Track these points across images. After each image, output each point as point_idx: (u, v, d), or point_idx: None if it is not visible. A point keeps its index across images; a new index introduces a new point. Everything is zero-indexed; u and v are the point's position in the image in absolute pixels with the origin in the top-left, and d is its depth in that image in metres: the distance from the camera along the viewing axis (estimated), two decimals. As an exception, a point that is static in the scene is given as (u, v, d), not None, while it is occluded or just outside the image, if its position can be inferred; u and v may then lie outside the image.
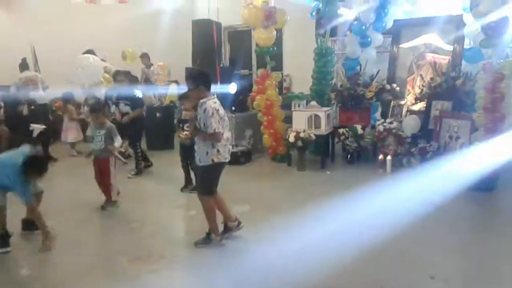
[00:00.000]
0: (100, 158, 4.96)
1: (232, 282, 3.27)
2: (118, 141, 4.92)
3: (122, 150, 6.96)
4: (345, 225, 4.29)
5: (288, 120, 7.01)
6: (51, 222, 4.19)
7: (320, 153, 6.79)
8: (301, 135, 6.36)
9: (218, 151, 3.65)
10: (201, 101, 3.61)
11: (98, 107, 5.26)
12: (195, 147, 3.74)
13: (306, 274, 3.32)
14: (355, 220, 4.42)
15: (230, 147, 3.85)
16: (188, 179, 5.58)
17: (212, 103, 3.60)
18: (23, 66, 8.11)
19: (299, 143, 6.35)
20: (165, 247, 3.89)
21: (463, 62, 6.74)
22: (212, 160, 3.64)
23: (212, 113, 3.55)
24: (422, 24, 7.34)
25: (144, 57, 9.17)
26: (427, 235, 4.08)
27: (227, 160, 3.78)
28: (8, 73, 7.86)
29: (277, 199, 5.26)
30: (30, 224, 4.16)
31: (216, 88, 7.54)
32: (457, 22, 6.78)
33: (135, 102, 6.27)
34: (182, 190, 5.56)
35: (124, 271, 3.48)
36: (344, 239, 3.96)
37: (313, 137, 6.42)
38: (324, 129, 6.60)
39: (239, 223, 4.03)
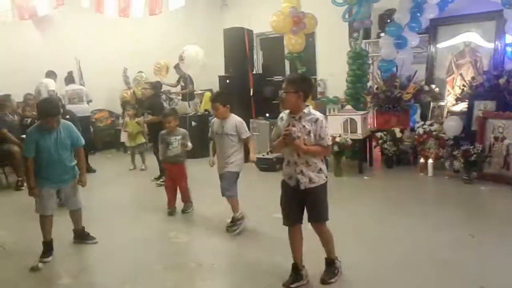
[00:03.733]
0: (175, 165, 5.08)
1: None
2: (190, 146, 5.07)
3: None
4: (384, 235, 4.17)
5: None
6: (90, 230, 4.28)
7: (357, 157, 6.64)
8: (337, 139, 6.24)
9: (325, 166, 3.26)
10: (307, 110, 3.11)
11: (172, 112, 5.41)
12: (294, 168, 3.12)
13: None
14: (395, 230, 4.30)
15: None
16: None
17: (318, 113, 3.16)
18: (69, 79, 8.40)
19: (335, 148, 6.22)
20: (203, 256, 3.86)
21: (506, 60, 6.47)
22: (326, 177, 3.20)
23: (325, 124, 3.13)
24: (460, 22, 7.08)
25: (177, 67, 9.29)
26: (473, 243, 3.88)
27: None
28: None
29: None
30: (81, 235, 4.27)
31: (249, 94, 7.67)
32: (498, 18, 6.50)
33: (155, 110, 6.33)
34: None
35: (161, 280, 3.47)
36: (383, 250, 3.85)
37: (350, 141, 6.28)
38: (360, 133, 6.45)
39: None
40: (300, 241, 3.28)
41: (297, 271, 3.26)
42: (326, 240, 3.28)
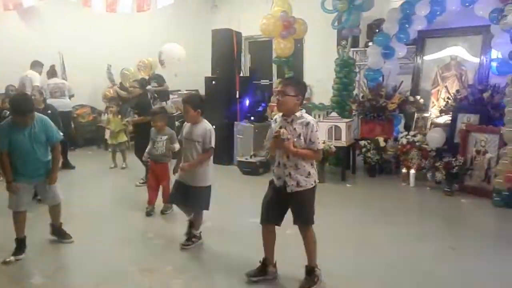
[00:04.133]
0: (159, 163, 5.05)
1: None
2: (177, 147, 4.88)
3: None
4: (363, 243, 4.15)
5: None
6: (66, 228, 4.17)
7: (340, 165, 6.64)
8: (321, 146, 6.20)
9: (316, 170, 3.21)
10: (299, 113, 3.11)
11: (159, 111, 5.32)
12: (283, 170, 3.14)
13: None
14: (374, 238, 4.29)
15: None
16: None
17: (310, 117, 3.16)
18: (52, 73, 8.20)
19: (319, 154, 6.20)
20: (179, 258, 3.78)
21: (491, 74, 6.55)
22: (315, 181, 3.18)
23: (316, 128, 3.10)
24: (447, 35, 7.16)
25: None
26: (449, 253, 3.89)
27: None
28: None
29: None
30: (58, 232, 4.15)
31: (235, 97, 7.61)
32: (484, 33, 6.59)
33: (142, 110, 6.13)
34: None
35: (136, 282, 3.38)
36: (362, 258, 3.83)
37: (333, 148, 6.27)
38: (344, 141, 6.45)
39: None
40: (272, 241, 3.34)
41: (263, 266, 3.36)
42: (310, 245, 3.26)
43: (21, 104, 3.66)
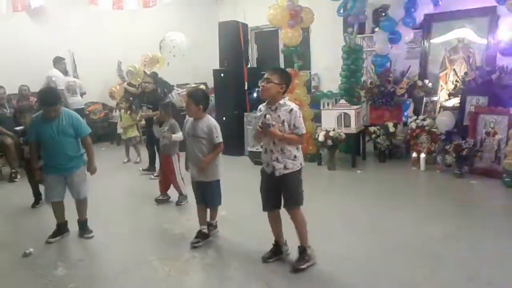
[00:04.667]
0: (163, 155, 5.22)
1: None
2: (178, 136, 4.93)
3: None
4: (376, 228, 4.22)
5: (318, 119, 6.93)
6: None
7: (351, 152, 6.69)
8: (331, 134, 6.27)
9: (301, 154, 3.36)
10: (282, 101, 3.26)
11: (164, 105, 5.45)
12: (270, 156, 3.27)
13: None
14: (386, 223, 4.35)
15: None
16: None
17: (293, 103, 3.32)
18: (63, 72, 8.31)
19: (329, 142, 6.27)
20: (195, 249, 3.89)
21: (499, 56, 6.53)
22: (301, 164, 3.33)
23: (300, 114, 3.26)
24: (453, 18, 7.13)
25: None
26: (463, 234, 3.95)
27: None
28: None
29: (307, 199, 5.15)
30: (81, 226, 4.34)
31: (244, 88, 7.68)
32: (491, 14, 6.55)
33: (156, 105, 6.19)
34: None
35: (154, 270, 3.51)
36: (375, 242, 3.90)
37: (343, 136, 6.32)
38: (354, 128, 6.49)
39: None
40: (278, 224, 3.53)
41: (276, 247, 3.56)
42: (300, 226, 3.40)
43: (46, 96, 3.96)
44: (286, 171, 3.27)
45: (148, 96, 6.55)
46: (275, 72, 3.30)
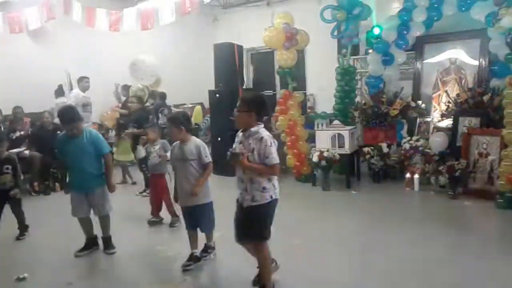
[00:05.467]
0: (155, 174, 5.24)
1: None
2: (167, 156, 4.93)
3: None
4: (369, 250, 4.21)
5: (312, 139, 6.97)
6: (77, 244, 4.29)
7: (345, 172, 6.70)
8: (325, 154, 6.30)
9: (274, 185, 3.18)
10: (253, 129, 3.13)
11: (150, 125, 5.56)
12: (240, 185, 3.20)
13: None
14: (380, 245, 4.34)
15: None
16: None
17: (266, 132, 3.17)
18: (59, 92, 8.36)
19: (323, 162, 6.29)
20: (187, 272, 3.86)
21: (491, 77, 6.61)
22: (271, 197, 3.15)
23: (271, 143, 3.08)
24: (445, 40, 7.25)
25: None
26: (456, 256, 3.94)
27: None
28: (43, 101, 8.09)
29: (299, 220, 5.15)
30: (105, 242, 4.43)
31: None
32: (482, 36, 6.66)
33: (140, 124, 6.46)
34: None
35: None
36: (368, 265, 3.89)
37: (337, 156, 6.35)
38: (348, 148, 6.53)
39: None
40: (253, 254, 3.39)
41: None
42: (261, 262, 3.29)
43: (64, 114, 4.13)
44: (253, 203, 3.14)
45: (133, 116, 6.74)
46: (243, 99, 3.26)
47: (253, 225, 3.21)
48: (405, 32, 7.06)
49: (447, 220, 4.98)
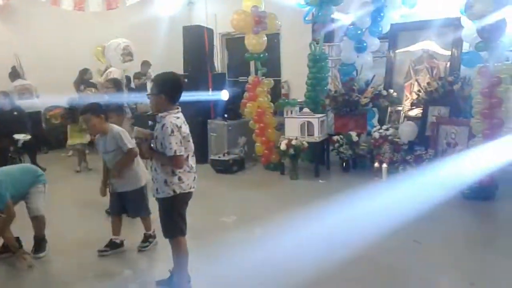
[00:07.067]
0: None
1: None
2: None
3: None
4: (331, 235, 4.10)
5: (283, 127, 6.82)
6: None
7: (314, 161, 6.59)
8: (293, 142, 6.16)
9: (180, 179, 2.91)
10: (160, 114, 2.88)
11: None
12: (152, 174, 3.04)
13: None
14: (341, 230, 4.23)
15: (196, 175, 3.09)
16: None
17: (173, 118, 2.86)
18: (14, 75, 8.01)
19: (291, 151, 6.15)
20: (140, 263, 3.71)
21: (462, 67, 6.54)
22: (174, 191, 2.91)
23: (172, 131, 2.80)
24: (419, 28, 7.12)
25: (144, 64, 9.08)
26: (418, 247, 3.86)
27: (192, 190, 3.04)
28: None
29: (265, 209, 5.06)
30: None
31: (207, 94, 7.52)
32: (455, 25, 6.57)
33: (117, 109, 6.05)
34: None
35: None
36: (329, 249, 3.78)
37: (306, 144, 6.22)
38: (317, 137, 6.40)
39: None
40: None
41: None
42: (176, 257, 3.07)
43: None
44: (158, 195, 2.97)
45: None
46: (154, 81, 3.05)
47: (161, 219, 3.04)
48: (378, 19, 6.93)
49: (412, 209, 4.89)
